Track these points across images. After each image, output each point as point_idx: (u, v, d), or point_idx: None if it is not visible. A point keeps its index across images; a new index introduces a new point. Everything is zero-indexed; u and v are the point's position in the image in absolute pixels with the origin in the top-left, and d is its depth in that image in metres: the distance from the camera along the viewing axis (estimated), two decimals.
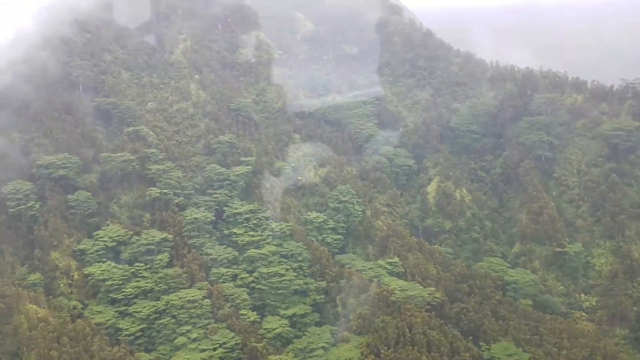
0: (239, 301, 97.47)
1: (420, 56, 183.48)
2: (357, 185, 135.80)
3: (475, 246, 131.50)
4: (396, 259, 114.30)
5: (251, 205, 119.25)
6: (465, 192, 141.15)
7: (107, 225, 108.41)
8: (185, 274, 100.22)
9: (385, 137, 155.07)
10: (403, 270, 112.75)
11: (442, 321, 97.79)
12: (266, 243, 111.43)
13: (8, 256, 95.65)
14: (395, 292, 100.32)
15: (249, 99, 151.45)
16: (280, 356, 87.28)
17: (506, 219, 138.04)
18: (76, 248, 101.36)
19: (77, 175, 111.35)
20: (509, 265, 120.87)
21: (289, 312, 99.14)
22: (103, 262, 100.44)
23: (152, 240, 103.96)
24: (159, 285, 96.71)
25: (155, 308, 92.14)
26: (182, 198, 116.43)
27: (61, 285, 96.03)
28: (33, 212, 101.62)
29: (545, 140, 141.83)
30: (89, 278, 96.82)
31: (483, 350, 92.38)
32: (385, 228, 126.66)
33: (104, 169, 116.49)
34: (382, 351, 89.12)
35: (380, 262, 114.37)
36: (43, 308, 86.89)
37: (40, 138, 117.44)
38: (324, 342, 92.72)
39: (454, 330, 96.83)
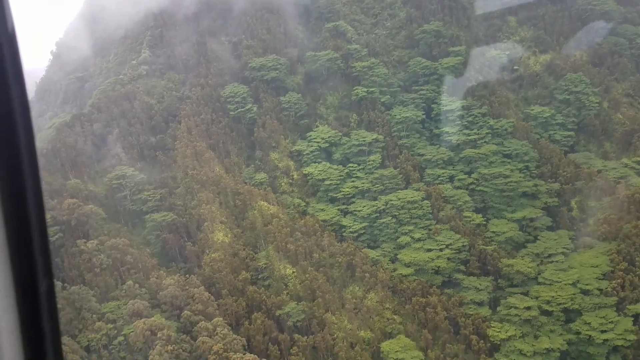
0: (460, 203, 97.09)
1: None
2: (590, 73, 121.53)
3: None
4: None
5: (464, 101, 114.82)
6: None
7: (317, 126, 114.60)
8: (400, 175, 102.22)
9: (622, 14, 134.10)
10: None
11: None
12: (484, 142, 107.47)
13: (234, 156, 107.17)
14: None
15: None
16: (514, 260, 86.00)
17: None
18: (293, 149, 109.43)
19: (286, 76, 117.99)
20: None
21: (517, 215, 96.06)
22: (318, 162, 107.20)
23: (363, 141, 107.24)
24: (375, 186, 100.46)
25: (375, 207, 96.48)
26: (388, 96, 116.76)
27: (282, 184, 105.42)
28: (252, 115, 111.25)
29: None
30: (308, 178, 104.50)
31: None
32: (628, 122, 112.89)
33: (309, 69, 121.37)
34: (637, 259, 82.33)
35: (625, 160, 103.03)
36: (273, 205, 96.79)
37: (248, 40, 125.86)
38: (563, 248, 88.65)
39: None
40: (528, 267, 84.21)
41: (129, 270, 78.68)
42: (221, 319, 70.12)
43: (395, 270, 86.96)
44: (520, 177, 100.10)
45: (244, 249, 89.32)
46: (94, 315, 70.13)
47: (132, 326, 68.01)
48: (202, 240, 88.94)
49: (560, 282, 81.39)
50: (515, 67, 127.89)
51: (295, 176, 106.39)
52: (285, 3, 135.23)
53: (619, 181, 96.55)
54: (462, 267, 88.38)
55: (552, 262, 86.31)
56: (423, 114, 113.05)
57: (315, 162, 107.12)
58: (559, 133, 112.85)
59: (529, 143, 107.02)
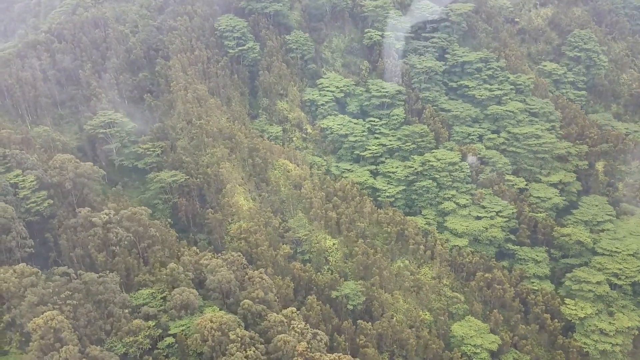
0: (499, 165, 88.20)
1: None
2: (594, 30, 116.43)
3: None
4: None
5: (480, 53, 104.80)
6: None
7: (324, 73, 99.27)
8: (432, 132, 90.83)
9: None
10: None
11: None
12: (509, 99, 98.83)
13: (236, 104, 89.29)
14: None
15: None
16: (570, 229, 79.16)
17: None
18: (305, 98, 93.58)
19: (289, 11, 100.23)
20: None
21: (553, 179, 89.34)
22: (334, 115, 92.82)
23: (384, 92, 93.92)
24: (406, 144, 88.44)
25: (411, 169, 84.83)
26: (403, 42, 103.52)
27: (294, 138, 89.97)
28: (254, 55, 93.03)
29: None
30: (327, 132, 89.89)
31: None
32: (635, 84, 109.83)
33: (312, 4, 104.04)
34: None
35: None
36: (294, 163, 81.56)
37: None
38: (607, 215, 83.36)
39: None
40: (586, 237, 77.77)
41: (150, 247, 60.90)
42: (294, 309, 55.82)
43: (447, 240, 76.67)
44: (552, 138, 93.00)
45: (275, 217, 74.14)
46: (126, 310, 52.72)
47: (184, 322, 51.88)
48: (224, 206, 72.22)
49: (620, 252, 76.11)
50: (516, 20, 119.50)
51: (309, 130, 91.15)
52: None
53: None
54: (512, 237, 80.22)
55: (603, 230, 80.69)
56: (443, 65, 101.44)
57: (331, 115, 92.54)
58: (572, 92, 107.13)
59: (550, 101, 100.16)
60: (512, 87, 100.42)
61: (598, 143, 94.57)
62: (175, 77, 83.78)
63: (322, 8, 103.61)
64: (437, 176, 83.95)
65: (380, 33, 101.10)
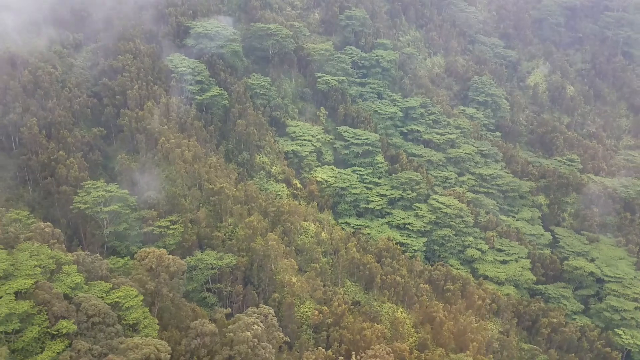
0: (491, 207, 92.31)
1: None
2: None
3: None
4: (575, 156, 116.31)
5: (419, 99, 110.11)
6: (571, 87, 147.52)
7: (286, 120, 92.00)
8: (424, 179, 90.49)
9: (479, 22, 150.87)
10: (582, 166, 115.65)
11: None
12: (460, 142, 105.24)
13: (214, 157, 75.58)
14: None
15: None
16: (576, 261, 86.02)
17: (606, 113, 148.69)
18: (288, 150, 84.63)
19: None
20: None
21: (525, 215, 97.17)
22: (320, 166, 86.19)
23: (365, 140, 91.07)
24: (406, 192, 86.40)
25: (426, 219, 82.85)
26: (357, 87, 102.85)
27: (283, 195, 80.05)
28: (224, 102, 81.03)
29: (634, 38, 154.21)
30: (323, 186, 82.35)
31: None
32: (531, 125, 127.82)
33: (257, 45, 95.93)
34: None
35: (558, 158, 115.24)
36: (317, 225, 72.55)
37: None
38: (583, 244, 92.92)
39: None
40: (594, 268, 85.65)
41: None
42: None
43: (494, 289, 76.35)
44: (511, 177, 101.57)
45: (331, 290, 64.19)
46: None
47: None
48: (280, 287, 59.85)
49: (623, 278, 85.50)
50: (413, 67, 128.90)
51: (298, 184, 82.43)
52: None
53: (577, 177, 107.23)
54: (532, 276, 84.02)
55: (592, 259, 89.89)
56: (400, 111, 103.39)
57: (317, 166, 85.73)
58: (490, 134, 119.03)
59: (488, 142, 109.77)
60: (459, 130, 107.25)
61: (538, 178, 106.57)
62: (159, 132, 67.69)
63: (267, 50, 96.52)
64: (453, 223, 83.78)
65: (336, 78, 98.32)
